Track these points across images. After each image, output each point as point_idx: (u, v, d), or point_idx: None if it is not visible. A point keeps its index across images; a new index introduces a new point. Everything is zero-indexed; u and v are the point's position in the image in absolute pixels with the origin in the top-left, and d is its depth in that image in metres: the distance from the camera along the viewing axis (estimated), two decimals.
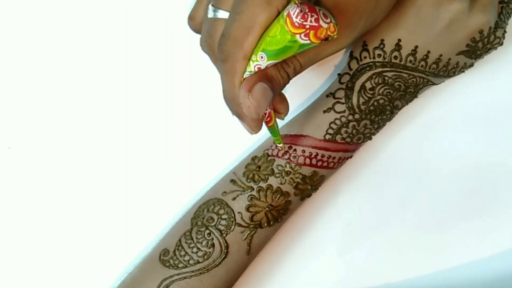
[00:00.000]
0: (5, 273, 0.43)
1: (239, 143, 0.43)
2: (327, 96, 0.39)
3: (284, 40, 0.28)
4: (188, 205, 0.41)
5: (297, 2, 0.27)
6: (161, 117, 0.44)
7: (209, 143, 0.44)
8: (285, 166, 0.38)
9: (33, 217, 0.44)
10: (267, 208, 0.38)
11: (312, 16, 0.27)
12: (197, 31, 0.36)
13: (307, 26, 0.27)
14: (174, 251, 0.38)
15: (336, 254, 0.43)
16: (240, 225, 0.38)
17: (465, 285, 0.43)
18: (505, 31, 0.38)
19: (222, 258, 0.38)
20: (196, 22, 0.36)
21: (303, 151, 0.38)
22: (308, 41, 0.28)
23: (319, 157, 0.38)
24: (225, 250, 0.38)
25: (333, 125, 0.38)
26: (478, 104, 0.43)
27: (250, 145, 0.42)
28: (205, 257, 0.37)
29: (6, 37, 0.44)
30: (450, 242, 0.43)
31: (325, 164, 0.38)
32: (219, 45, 0.31)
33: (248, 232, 0.38)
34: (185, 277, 0.37)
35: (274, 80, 0.31)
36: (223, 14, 0.31)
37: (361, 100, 0.38)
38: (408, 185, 0.43)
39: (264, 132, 0.42)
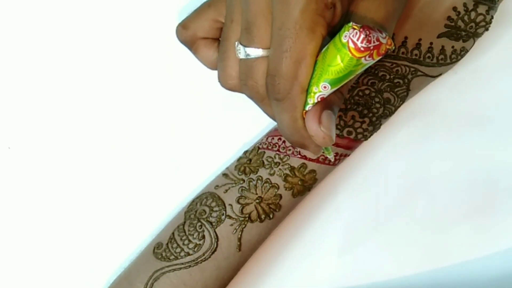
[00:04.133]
0: (5, 272, 0.44)
1: (236, 143, 0.43)
2: None
3: (349, 66, 0.28)
4: (185, 204, 0.41)
5: (355, 27, 0.27)
6: (158, 117, 0.44)
7: (206, 143, 0.44)
8: (275, 157, 0.38)
9: (33, 216, 0.44)
10: (256, 200, 0.38)
11: (373, 36, 0.27)
12: (186, 43, 0.36)
13: (371, 47, 0.27)
14: (167, 243, 0.38)
15: (336, 255, 0.43)
16: (230, 217, 0.38)
17: (465, 285, 0.42)
18: (489, 8, 0.36)
19: (212, 251, 0.37)
20: (188, 34, 0.36)
21: None
22: (372, 60, 0.28)
23: None
24: (215, 243, 0.38)
25: None
26: (476, 104, 0.43)
27: (247, 144, 0.43)
28: (196, 249, 0.37)
29: (6, 37, 0.44)
30: (450, 242, 0.42)
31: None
32: (271, 86, 0.30)
33: (238, 225, 0.38)
34: (174, 269, 0.37)
35: (334, 104, 0.31)
36: (256, 52, 0.31)
37: None
38: (407, 185, 0.43)
39: (260, 131, 0.43)
